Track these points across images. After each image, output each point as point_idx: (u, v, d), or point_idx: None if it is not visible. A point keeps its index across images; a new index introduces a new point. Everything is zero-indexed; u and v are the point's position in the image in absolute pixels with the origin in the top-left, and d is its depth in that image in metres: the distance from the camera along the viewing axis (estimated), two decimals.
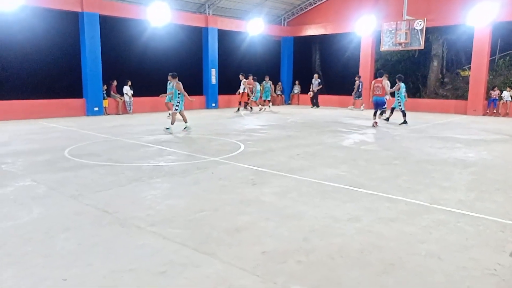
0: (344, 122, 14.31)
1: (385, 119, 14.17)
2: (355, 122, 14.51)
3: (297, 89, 23.79)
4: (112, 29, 16.82)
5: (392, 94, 13.89)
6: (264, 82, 19.37)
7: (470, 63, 18.43)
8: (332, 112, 18.58)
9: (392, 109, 14.31)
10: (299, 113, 18.30)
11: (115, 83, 16.76)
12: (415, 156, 8.02)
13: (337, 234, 3.95)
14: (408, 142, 9.90)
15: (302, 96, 23.42)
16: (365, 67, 20.57)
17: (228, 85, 20.48)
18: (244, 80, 17.95)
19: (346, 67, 22.35)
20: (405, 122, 13.46)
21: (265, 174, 6.39)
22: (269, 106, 19.53)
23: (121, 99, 16.75)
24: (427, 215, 4.54)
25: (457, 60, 22.32)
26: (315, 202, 4.98)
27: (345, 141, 9.93)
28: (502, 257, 3.46)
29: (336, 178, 6.19)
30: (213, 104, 20.00)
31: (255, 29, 20.77)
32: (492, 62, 19.48)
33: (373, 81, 13.15)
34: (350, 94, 20.27)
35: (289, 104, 23.13)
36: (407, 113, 13.78)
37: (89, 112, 15.67)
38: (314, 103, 21.38)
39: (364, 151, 8.59)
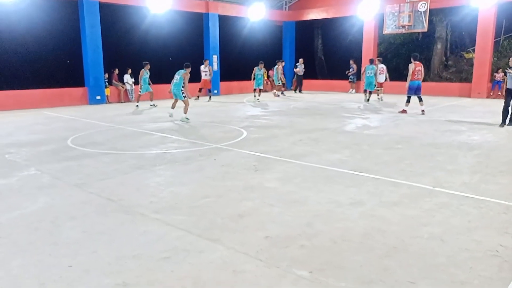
0: (346, 107, 14.24)
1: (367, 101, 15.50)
2: (357, 106, 14.43)
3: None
4: (112, 17, 16.69)
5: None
6: (257, 68, 17.09)
7: (474, 45, 18.20)
8: (335, 97, 18.46)
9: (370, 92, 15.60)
10: (302, 98, 18.21)
11: (116, 71, 16.70)
12: (419, 140, 7.99)
13: (340, 219, 3.96)
14: (412, 126, 9.85)
15: (305, 81, 23.26)
16: (368, 51, 20.35)
17: (230, 72, 20.38)
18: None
19: (349, 51, 22.12)
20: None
21: (268, 160, 6.40)
22: (258, 96, 17.10)
23: (123, 87, 16.72)
24: (430, 198, 4.55)
25: (461, 42, 22.06)
26: (319, 187, 4.99)
27: (348, 126, 9.89)
28: (505, 238, 3.46)
29: (339, 163, 6.18)
30: (215, 91, 19.92)
31: (257, 14, 20.55)
32: (497, 43, 19.23)
33: (413, 65, 11.97)
34: (358, 79, 20.19)
35: (291, 89, 22.98)
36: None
37: (92, 101, 15.66)
38: (298, 88, 21.35)
39: (367, 136, 8.56)
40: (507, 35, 20.53)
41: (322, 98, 18.03)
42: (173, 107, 11.52)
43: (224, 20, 20.10)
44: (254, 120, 10.97)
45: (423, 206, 4.28)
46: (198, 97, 17.04)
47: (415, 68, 11.99)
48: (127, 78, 16.65)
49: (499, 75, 17.29)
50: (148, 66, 14.54)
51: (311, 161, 6.27)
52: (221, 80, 20.14)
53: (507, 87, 9.63)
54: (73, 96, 15.49)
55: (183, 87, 10.79)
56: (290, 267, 3.01)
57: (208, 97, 17.29)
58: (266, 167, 5.98)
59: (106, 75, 16.10)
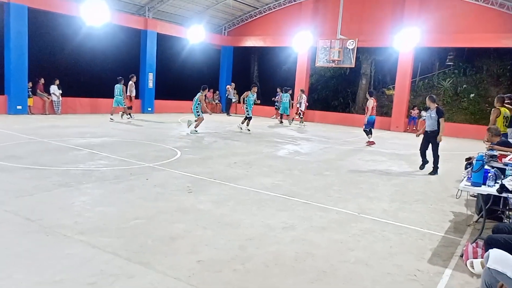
0: (280, 133, 14.67)
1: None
2: (290, 133, 14.93)
3: (235, 98, 23.96)
4: (43, 24, 15.80)
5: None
6: (250, 92, 14.72)
7: (394, 83, 19.91)
8: (268, 123, 18.93)
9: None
10: (236, 122, 18.41)
11: (42, 81, 15.67)
12: (346, 168, 8.45)
13: (273, 243, 4.03)
14: (339, 154, 10.42)
15: (239, 105, 23.62)
16: (301, 80, 21.31)
17: (166, 91, 20.08)
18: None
19: (284, 80, 22.99)
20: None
21: (202, 182, 6.34)
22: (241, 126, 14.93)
23: (48, 99, 15.67)
24: (356, 223, 4.81)
25: (383, 80, 24.02)
26: (252, 210, 5.04)
27: (280, 151, 10.18)
28: (422, 263, 3.76)
29: (272, 187, 6.32)
30: (149, 109, 19.45)
31: (196, 36, 20.64)
32: (413, 83, 21.23)
33: (372, 101, 12.23)
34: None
35: (227, 113, 23.17)
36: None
37: (11, 111, 14.42)
38: (227, 111, 22.60)
39: (298, 161, 8.87)
40: (422, 76, 22.78)
41: (256, 123, 18.37)
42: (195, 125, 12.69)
43: (163, 39, 19.91)
44: (188, 141, 10.86)
45: (350, 231, 4.51)
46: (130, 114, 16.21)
47: (374, 104, 12.34)
48: (54, 89, 15.67)
49: (414, 112, 19.06)
50: (122, 81, 15.35)
51: (245, 184, 6.33)
52: (156, 98, 19.74)
53: (425, 129, 8.52)
54: None
55: (196, 106, 12.66)
56: None
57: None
58: (200, 189, 5.92)
59: (30, 84, 15.01)
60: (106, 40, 17.93)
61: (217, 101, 23.46)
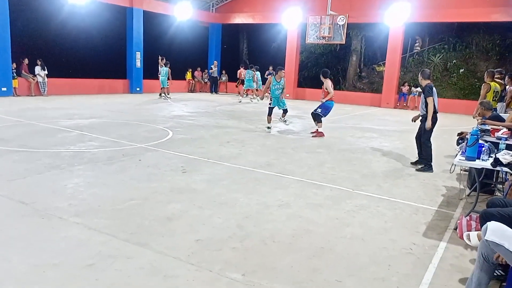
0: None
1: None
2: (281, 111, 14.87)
3: (224, 77, 23.73)
4: (26, 3, 15.25)
5: None
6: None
7: (384, 59, 19.85)
8: (261, 102, 18.81)
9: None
10: (226, 101, 18.29)
11: (26, 61, 15.26)
12: (338, 145, 8.47)
13: (270, 220, 4.05)
14: (330, 131, 10.41)
15: (230, 84, 23.43)
16: (291, 58, 21.14)
17: (155, 70, 19.76)
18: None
19: (273, 58, 22.75)
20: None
21: (196, 162, 6.31)
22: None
23: (33, 80, 15.31)
24: (350, 200, 4.84)
25: (373, 56, 23.90)
26: (247, 189, 5.05)
27: (273, 130, 10.15)
28: (416, 237, 3.82)
29: (266, 165, 6.32)
30: (138, 89, 19.16)
31: (183, 13, 20.20)
32: (403, 59, 21.18)
33: (330, 82, 9.54)
34: None
35: (216, 92, 22.98)
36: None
37: None
38: (213, 89, 22.25)
39: (291, 140, 8.87)
40: (412, 52, 22.73)
41: (247, 101, 18.27)
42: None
43: (149, 17, 19.44)
44: (179, 121, 10.76)
45: (345, 208, 4.55)
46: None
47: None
48: (38, 70, 15.30)
49: (405, 88, 19.08)
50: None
51: (238, 163, 6.32)
52: (144, 78, 19.42)
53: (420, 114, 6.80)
54: None
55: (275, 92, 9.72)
56: (223, 271, 2.99)
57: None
58: (194, 168, 5.89)
59: (14, 65, 14.62)
60: (90, 19, 17.46)
61: (206, 80, 23.19)
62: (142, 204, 4.33)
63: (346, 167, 6.57)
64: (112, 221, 3.81)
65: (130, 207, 4.21)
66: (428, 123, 6.39)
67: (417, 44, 21.74)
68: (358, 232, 3.87)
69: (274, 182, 5.42)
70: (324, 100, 9.42)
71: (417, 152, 6.97)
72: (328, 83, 9.41)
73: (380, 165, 6.89)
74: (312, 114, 9.65)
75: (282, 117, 10.29)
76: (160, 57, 17.96)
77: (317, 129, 9.58)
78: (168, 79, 17.42)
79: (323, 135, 9.47)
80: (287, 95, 13.25)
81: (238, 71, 21.45)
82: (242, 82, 20.01)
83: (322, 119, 9.61)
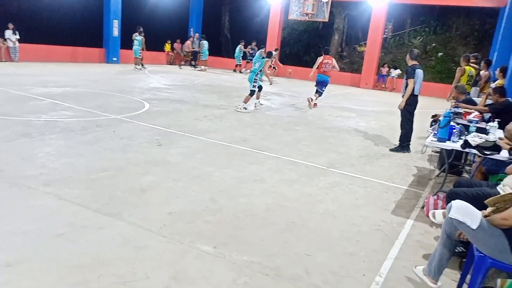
0: None
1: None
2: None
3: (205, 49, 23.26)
4: None
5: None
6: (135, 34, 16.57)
7: (366, 39, 19.86)
8: (240, 77, 18.64)
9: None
10: (205, 75, 18.03)
11: None
12: (315, 123, 8.53)
13: (244, 194, 4.07)
14: (310, 110, 10.46)
15: (210, 58, 23.03)
16: (273, 33, 20.86)
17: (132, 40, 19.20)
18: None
19: (256, 33, 22.44)
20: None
21: (172, 135, 6.24)
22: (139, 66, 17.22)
23: (3, 44, 14.65)
24: (325, 177, 4.92)
25: (356, 36, 23.90)
26: (222, 163, 5.04)
27: (251, 106, 10.09)
28: (386, 214, 3.93)
29: (242, 141, 6.31)
30: (114, 59, 18.61)
31: None
32: (384, 40, 21.26)
33: (321, 57, 10.28)
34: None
35: (195, 65, 22.58)
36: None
37: None
38: (194, 63, 21.64)
39: (269, 116, 8.86)
40: (393, 34, 22.82)
41: (227, 77, 18.07)
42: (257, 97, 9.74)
43: None
44: (156, 93, 10.56)
45: (319, 184, 4.62)
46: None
47: (323, 60, 10.28)
48: (9, 34, 14.62)
49: (384, 70, 19.23)
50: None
51: (215, 138, 6.29)
52: (121, 48, 18.85)
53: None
54: None
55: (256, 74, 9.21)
56: (194, 243, 3.01)
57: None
58: (170, 141, 5.84)
59: None
60: None
61: (185, 53, 22.70)
62: (116, 175, 4.27)
63: (322, 145, 6.64)
64: (85, 191, 3.75)
65: (103, 177, 4.15)
66: (402, 104, 6.38)
67: (387, 30, 21.77)
68: (330, 208, 3.95)
69: (250, 158, 5.43)
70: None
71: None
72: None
73: (356, 144, 6.99)
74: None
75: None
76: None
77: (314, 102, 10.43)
78: (143, 49, 16.79)
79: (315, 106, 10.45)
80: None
81: (186, 43, 20.76)
82: (193, 55, 20.32)
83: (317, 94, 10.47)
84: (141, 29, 16.70)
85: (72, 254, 2.69)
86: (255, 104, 9.74)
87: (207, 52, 20.28)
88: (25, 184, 3.78)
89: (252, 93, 9.29)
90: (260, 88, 9.74)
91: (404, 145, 6.59)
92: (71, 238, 2.90)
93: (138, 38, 16.43)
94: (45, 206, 3.37)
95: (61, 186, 3.80)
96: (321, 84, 10.46)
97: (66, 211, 3.31)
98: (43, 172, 4.11)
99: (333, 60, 10.51)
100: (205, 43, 20.15)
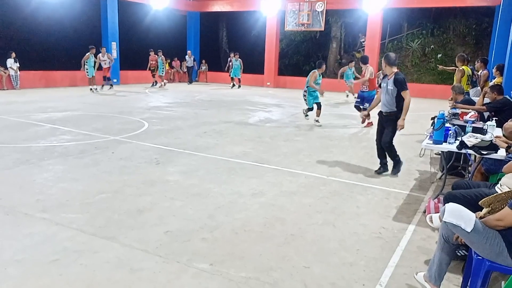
0: (250, 100, 14.53)
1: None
2: (261, 100, 14.82)
3: (204, 66, 23.47)
4: None
5: None
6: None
7: (364, 46, 19.90)
8: (240, 91, 18.71)
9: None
10: (206, 91, 18.12)
11: None
12: (316, 133, 8.49)
13: (242, 210, 4.03)
14: (310, 119, 10.40)
15: (210, 74, 23.20)
16: (271, 45, 20.97)
17: (131, 61, 19.43)
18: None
19: (253, 45, 22.59)
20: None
21: (171, 153, 6.24)
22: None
23: (5, 73, 14.86)
24: (325, 186, 4.86)
25: (353, 43, 23.96)
26: (222, 179, 5.01)
27: (251, 119, 10.11)
28: (386, 221, 3.86)
29: (243, 155, 6.29)
30: (115, 80, 18.78)
31: (159, 2, 19.80)
32: (382, 45, 21.29)
33: (370, 67, 9.76)
34: (261, 73, 20.80)
35: (196, 81, 22.73)
36: None
37: None
38: (189, 79, 21.75)
39: (269, 128, 8.84)
40: (390, 38, 22.85)
41: (226, 91, 18.15)
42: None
43: (124, 6, 19.02)
44: (156, 112, 10.61)
45: (318, 194, 4.56)
46: (102, 86, 15.92)
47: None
48: (11, 62, 14.84)
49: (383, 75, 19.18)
50: (94, 51, 14.69)
51: (214, 154, 6.27)
52: (121, 69, 19.06)
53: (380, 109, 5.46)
54: None
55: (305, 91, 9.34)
56: (190, 261, 2.97)
57: (109, 86, 16.24)
58: (168, 160, 5.83)
59: None
60: (63, 10, 16.99)
61: (185, 70, 22.89)
62: (112, 197, 4.25)
63: (323, 154, 6.59)
64: (81, 216, 3.73)
65: (99, 200, 4.14)
66: (402, 122, 5.09)
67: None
68: (329, 218, 3.89)
69: (249, 172, 5.39)
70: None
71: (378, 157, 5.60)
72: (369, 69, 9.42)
73: (357, 151, 6.93)
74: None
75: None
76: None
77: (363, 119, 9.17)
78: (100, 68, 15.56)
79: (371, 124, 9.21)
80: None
81: (150, 58, 18.66)
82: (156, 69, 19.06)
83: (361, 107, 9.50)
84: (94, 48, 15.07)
85: (66, 280, 2.66)
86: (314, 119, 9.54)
87: (162, 67, 18.76)
88: (22, 211, 3.77)
89: (319, 106, 9.38)
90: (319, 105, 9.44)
91: (397, 159, 5.44)
92: (65, 263, 2.87)
93: (92, 58, 14.88)
94: (40, 232, 3.35)
95: (57, 211, 3.79)
96: (368, 100, 9.21)
97: (61, 237, 3.29)
98: (40, 199, 4.10)
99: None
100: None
